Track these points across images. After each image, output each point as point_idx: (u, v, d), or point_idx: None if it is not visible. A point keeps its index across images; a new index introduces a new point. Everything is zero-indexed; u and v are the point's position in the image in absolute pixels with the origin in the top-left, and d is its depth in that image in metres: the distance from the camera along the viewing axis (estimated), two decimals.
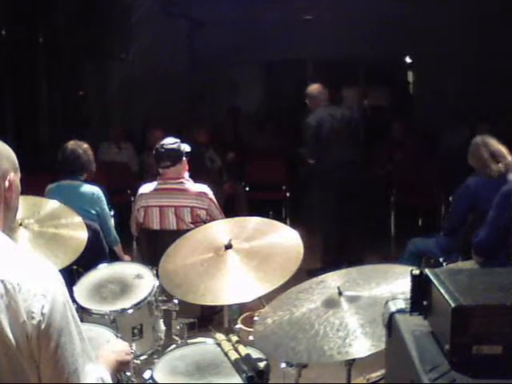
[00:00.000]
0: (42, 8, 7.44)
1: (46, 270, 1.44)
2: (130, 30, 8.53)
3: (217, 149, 7.62)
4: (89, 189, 4.06)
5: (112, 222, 4.27)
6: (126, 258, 4.30)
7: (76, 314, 1.49)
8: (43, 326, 1.36)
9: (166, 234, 3.90)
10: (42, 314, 1.36)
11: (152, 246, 3.98)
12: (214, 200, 4.04)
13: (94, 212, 4.02)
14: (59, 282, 1.45)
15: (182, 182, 4.01)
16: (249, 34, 9.15)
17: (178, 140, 4.04)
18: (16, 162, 1.61)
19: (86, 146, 4.16)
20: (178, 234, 3.05)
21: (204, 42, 9.44)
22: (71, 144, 4.13)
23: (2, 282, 1.35)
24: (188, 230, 3.54)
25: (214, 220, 3.86)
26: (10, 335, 1.33)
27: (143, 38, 8.52)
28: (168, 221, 3.96)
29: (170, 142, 4.01)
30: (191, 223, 3.92)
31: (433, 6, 8.37)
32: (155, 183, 4.08)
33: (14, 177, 1.58)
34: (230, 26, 8.97)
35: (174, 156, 3.97)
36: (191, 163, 4.12)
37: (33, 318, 1.35)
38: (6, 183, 1.54)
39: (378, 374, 2.53)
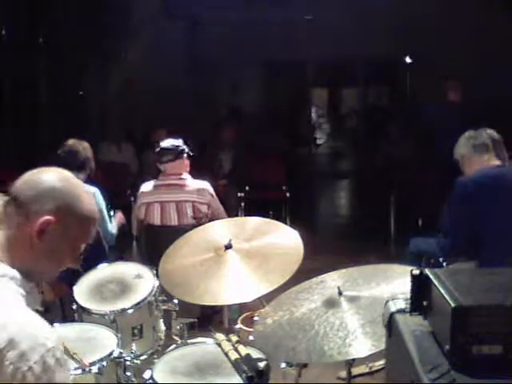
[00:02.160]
0: (42, 8, 7.44)
1: (45, 334, 1.28)
2: (130, 30, 8.53)
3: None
4: (87, 189, 4.05)
5: (109, 223, 4.25)
6: (119, 216, 4.29)
7: (67, 367, 1.33)
8: None
9: (166, 230, 3.94)
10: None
11: (153, 243, 4.00)
12: (215, 195, 4.12)
13: None
14: (51, 342, 1.27)
15: (182, 178, 4.10)
16: (249, 34, 9.15)
17: (181, 140, 4.17)
18: (71, 211, 1.41)
19: (85, 144, 4.18)
20: (179, 230, 3.05)
21: (204, 42, 9.44)
22: (71, 141, 4.15)
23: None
24: (189, 225, 3.61)
25: (216, 215, 3.99)
26: None
27: (143, 38, 8.51)
28: (169, 216, 4.01)
29: (172, 140, 4.16)
30: (193, 218, 3.97)
31: (433, 6, 8.38)
32: (156, 180, 4.14)
33: (52, 225, 1.37)
34: (230, 25, 8.97)
35: (176, 151, 4.09)
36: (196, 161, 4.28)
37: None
38: (36, 225, 1.36)
39: (381, 362, 2.54)
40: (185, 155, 4.13)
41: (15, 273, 1.36)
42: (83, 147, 4.14)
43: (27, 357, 1.21)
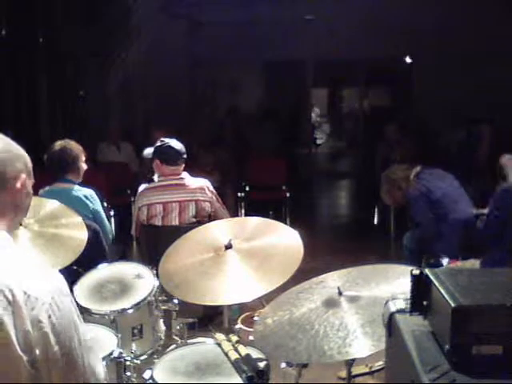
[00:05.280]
0: (42, 8, 7.44)
1: (51, 276, 1.43)
2: (130, 30, 8.53)
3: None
4: (81, 192, 4.00)
5: (108, 223, 4.23)
6: None
7: (78, 313, 1.48)
8: (52, 336, 1.35)
9: (167, 230, 3.92)
10: (51, 324, 1.35)
11: (153, 243, 3.99)
12: (215, 192, 4.12)
13: (89, 215, 3.98)
14: (63, 285, 1.44)
15: (182, 178, 4.08)
16: (249, 34, 9.15)
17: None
18: (29, 165, 1.61)
19: (74, 144, 4.09)
20: (179, 230, 3.04)
21: (204, 42, 9.45)
22: (59, 142, 4.08)
23: (10, 290, 1.33)
24: (189, 225, 3.60)
25: (217, 212, 4.00)
26: (16, 344, 1.32)
27: (143, 38, 8.52)
28: (171, 216, 4.00)
29: (176, 142, 4.09)
30: (196, 217, 3.97)
31: (433, 7, 8.38)
32: (155, 181, 4.11)
33: (26, 179, 1.57)
34: (230, 26, 8.97)
35: (184, 155, 4.07)
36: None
37: (40, 327, 1.34)
38: (18, 184, 1.54)
39: (380, 362, 2.55)
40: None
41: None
42: (71, 147, 4.04)
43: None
